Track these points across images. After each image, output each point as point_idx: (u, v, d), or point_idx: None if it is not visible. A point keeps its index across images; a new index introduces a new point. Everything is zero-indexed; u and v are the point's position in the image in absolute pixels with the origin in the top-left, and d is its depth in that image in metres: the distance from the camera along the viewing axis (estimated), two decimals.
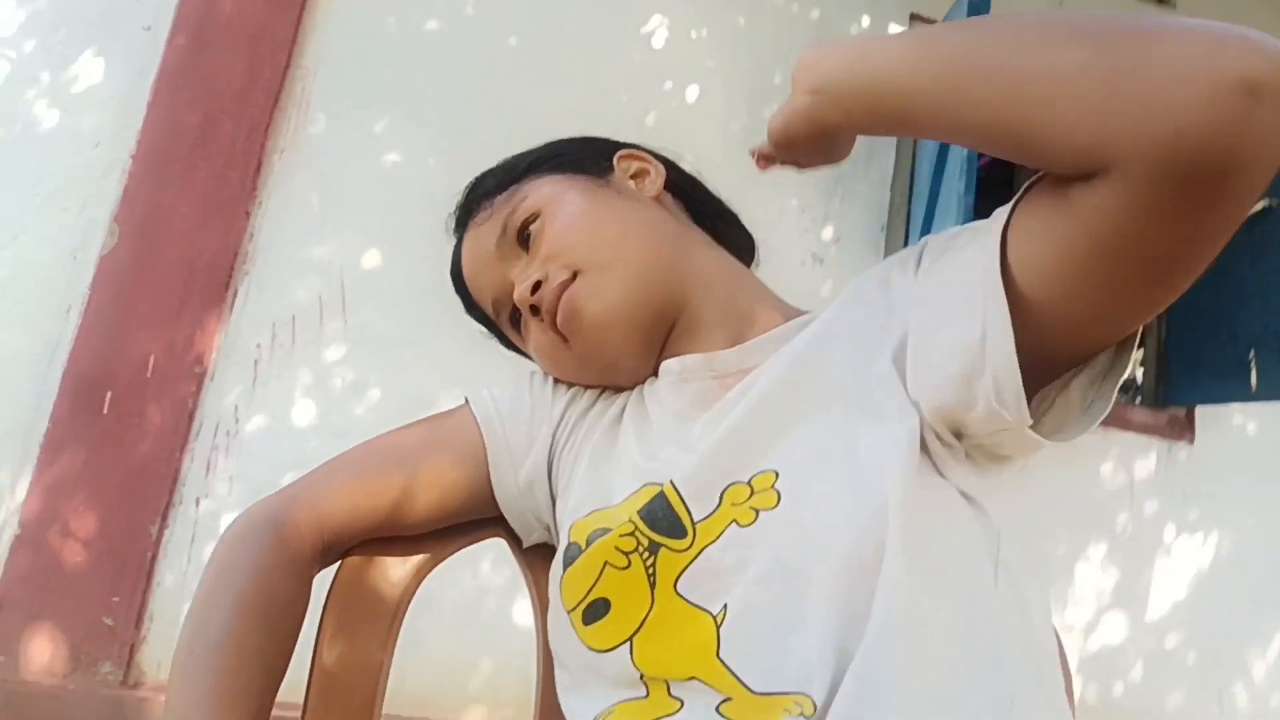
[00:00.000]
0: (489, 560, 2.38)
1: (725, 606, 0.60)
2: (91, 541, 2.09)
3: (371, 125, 2.58)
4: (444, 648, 2.30)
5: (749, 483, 0.63)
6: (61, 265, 2.27)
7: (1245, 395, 2.98)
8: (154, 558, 2.16)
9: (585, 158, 0.85)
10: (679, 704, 0.61)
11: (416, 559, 0.87)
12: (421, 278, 2.49)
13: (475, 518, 0.87)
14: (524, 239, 0.81)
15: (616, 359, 0.78)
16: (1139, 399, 3.35)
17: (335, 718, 0.79)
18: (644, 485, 0.70)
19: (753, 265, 0.94)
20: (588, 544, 0.69)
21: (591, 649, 0.67)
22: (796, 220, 2.86)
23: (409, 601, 0.86)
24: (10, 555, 2.06)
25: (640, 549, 0.65)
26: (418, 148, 2.59)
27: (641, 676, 0.64)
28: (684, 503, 0.65)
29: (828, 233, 2.90)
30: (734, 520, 0.62)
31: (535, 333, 0.80)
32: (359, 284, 2.44)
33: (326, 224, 2.46)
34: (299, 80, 2.53)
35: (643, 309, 0.75)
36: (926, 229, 2.85)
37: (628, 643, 0.65)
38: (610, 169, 0.85)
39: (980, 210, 3.37)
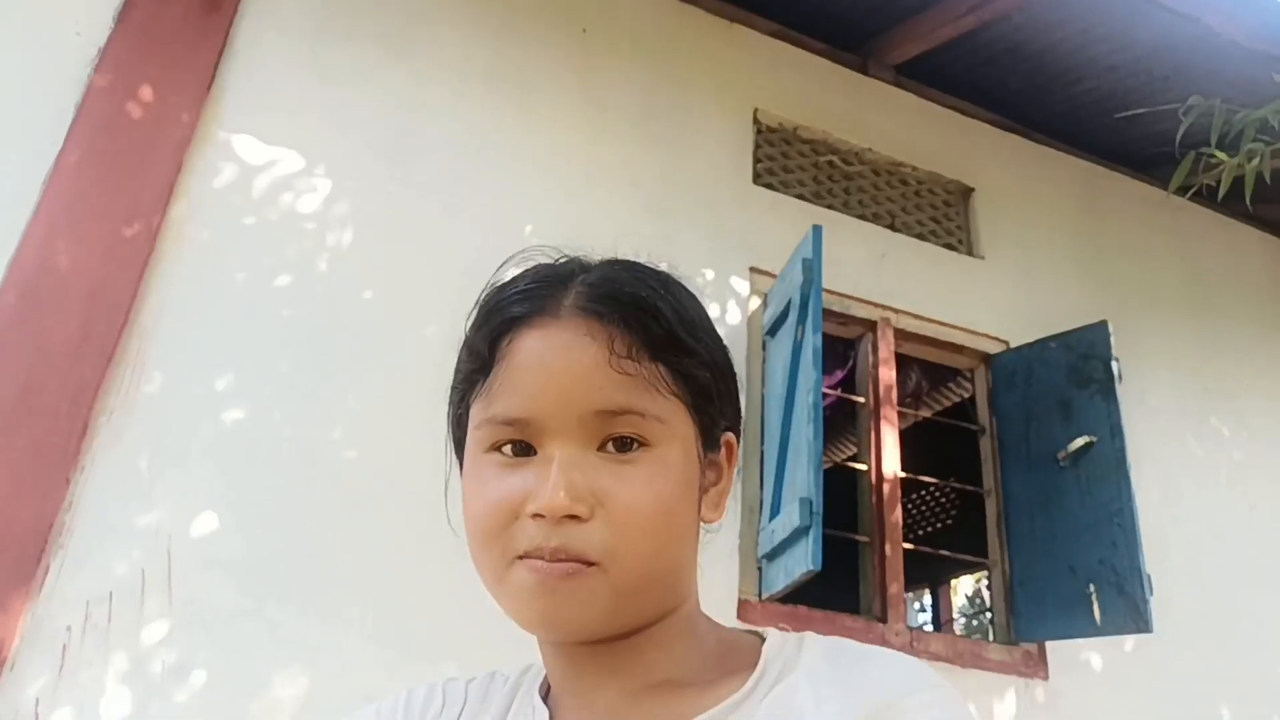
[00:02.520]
0: None
1: None
2: None
3: (214, 381, 2.48)
4: None
5: None
6: None
7: (1090, 630, 3.06)
8: None
9: (722, 410, 0.72)
10: None
11: None
12: (262, 542, 2.35)
13: None
14: (615, 438, 0.64)
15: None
16: (992, 635, 3.40)
17: None
18: None
19: None
20: None
21: None
22: None
23: None
24: None
25: None
26: (263, 402, 2.50)
27: None
28: None
29: None
30: None
31: (519, 530, 0.64)
32: (187, 552, 2.26)
33: (154, 488, 2.30)
34: (135, 338, 2.43)
35: (609, 631, 0.66)
36: (780, 474, 2.91)
37: None
38: (717, 446, 0.73)
39: (828, 443, 3.51)
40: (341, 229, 2.79)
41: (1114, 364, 3.23)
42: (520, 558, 0.63)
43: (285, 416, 2.51)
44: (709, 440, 0.71)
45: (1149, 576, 2.92)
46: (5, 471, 2.16)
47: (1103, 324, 3.31)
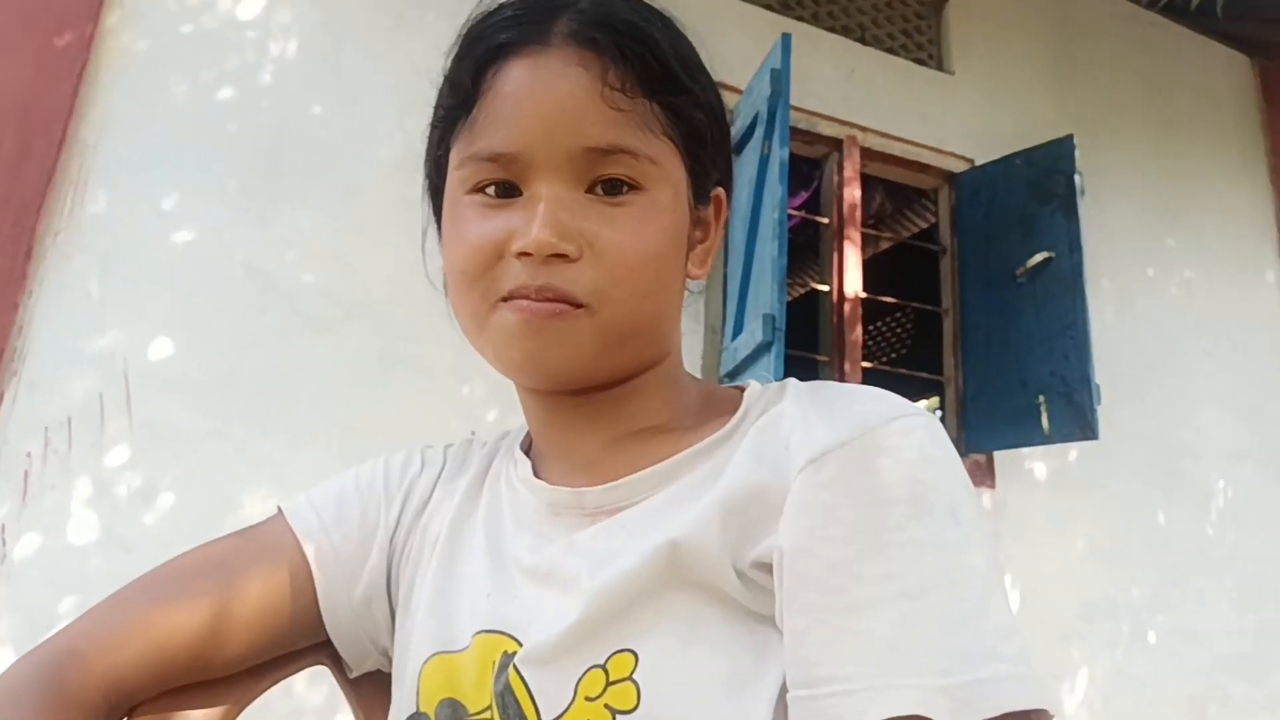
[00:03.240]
0: (305, 678, 2.19)
1: None
2: None
3: (159, 201, 2.39)
4: None
5: (604, 667, 0.57)
6: None
7: (1038, 439, 3.18)
8: None
9: (713, 162, 0.69)
10: None
11: (220, 709, 0.75)
12: (221, 364, 2.33)
13: (297, 648, 0.76)
14: (604, 180, 0.61)
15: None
16: None
17: None
18: (494, 633, 0.64)
19: None
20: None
21: None
22: None
23: None
24: None
25: None
26: (212, 224, 2.42)
27: None
28: (531, 697, 0.59)
29: None
30: None
31: (504, 271, 0.61)
32: (146, 376, 2.23)
33: (107, 312, 2.24)
34: (76, 155, 2.32)
35: (593, 377, 0.65)
36: (744, 293, 2.91)
37: None
38: (707, 200, 0.70)
39: (791, 271, 3.49)
40: (285, 38, 2.64)
41: (1076, 177, 3.21)
42: (504, 300, 0.61)
43: (237, 239, 2.44)
44: (699, 191, 0.69)
45: (1098, 386, 3.00)
46: None
47: (1068, 138, 3.28)
